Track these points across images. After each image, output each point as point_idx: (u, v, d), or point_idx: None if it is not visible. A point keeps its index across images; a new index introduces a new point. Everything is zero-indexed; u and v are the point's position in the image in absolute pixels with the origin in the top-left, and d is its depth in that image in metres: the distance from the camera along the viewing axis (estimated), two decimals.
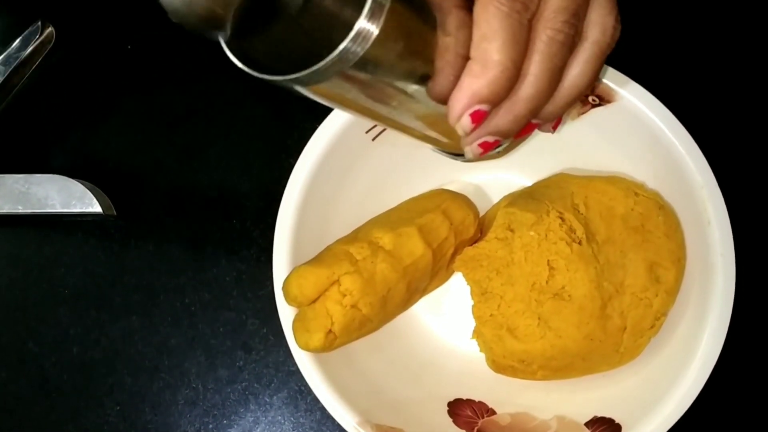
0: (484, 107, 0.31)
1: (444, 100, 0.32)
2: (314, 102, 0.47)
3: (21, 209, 0.52)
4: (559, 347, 0.45)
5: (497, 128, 0.33)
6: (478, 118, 0.32)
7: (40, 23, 0.55)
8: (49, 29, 0.55)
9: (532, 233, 0.46)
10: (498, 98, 0.31)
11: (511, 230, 0.47)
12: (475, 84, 0.31)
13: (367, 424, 0.45)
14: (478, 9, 0.30)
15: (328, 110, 0.47)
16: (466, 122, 0.32)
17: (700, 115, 0.48)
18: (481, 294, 0.48)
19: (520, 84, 0.32)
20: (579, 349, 0.45)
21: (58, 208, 0.52)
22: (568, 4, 0.32)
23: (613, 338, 0.46)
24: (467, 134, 0.33)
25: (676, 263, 0.46)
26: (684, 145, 0.46)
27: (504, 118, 0.33)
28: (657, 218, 0.46)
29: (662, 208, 0.47)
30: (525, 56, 0.31)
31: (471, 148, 0.35)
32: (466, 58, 0.31)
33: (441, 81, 0.31)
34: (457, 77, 0.31)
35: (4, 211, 0.52)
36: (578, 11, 0.33)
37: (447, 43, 0.31)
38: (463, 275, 0.49)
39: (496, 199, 0.51)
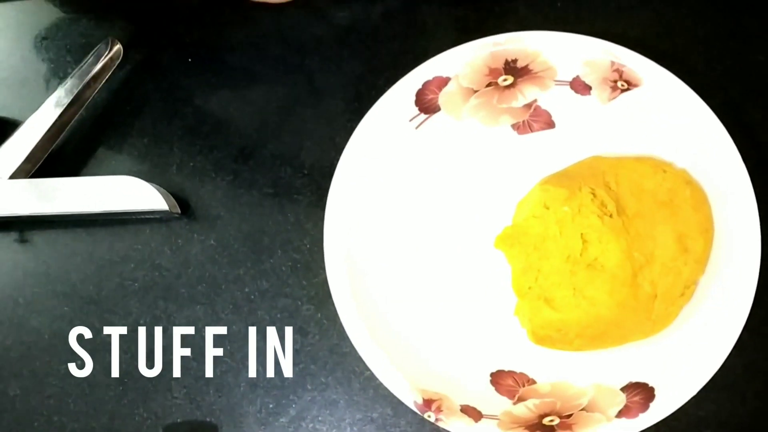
0: None
1: None
2: (359, 103, 0.51)
3: (94, 209, 0.57)
4: (593, 315, 0.48)
5: None
6: None
7: (108, 41, 0.60)
8: (117, 46, 0.60)
9: (565, 208, 0.49)
10: None
11: (546, 207, 0.50)
12: None
13: (415, 390, 0.48)
14: None
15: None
16: None
17: (723, 94, 0.50)
18: (520, 269, 0.51)
19: None
20: (612, 316, 0.48)
21: (128, 207, 0.56)
22: None
23: (645, 306, 0.48)
24: None
25: (704, 234, 0.48)
26: (708, 124, 0.49)
27: None
28: (684, 192, 0.49)
29: (689, 183, 0.49)
30: None
31: None
32: None
33: None
34: None
35: (79, 210, 0.57)
36: None
37: None
38: (504, 253, 0.52)
39: (532, 182, 0.54)
